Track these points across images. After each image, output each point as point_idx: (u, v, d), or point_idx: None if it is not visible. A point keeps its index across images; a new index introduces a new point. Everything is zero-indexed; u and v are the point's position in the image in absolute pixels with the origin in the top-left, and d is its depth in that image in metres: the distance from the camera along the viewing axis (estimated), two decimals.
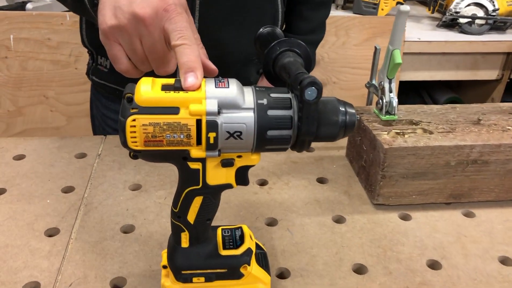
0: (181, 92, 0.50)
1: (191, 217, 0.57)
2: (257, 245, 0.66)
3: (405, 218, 0.83)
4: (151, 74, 0.62)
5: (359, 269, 0.72)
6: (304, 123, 0.51)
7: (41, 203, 0.82)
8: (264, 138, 0.52)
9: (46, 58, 1.63)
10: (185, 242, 0.59)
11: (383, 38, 1.83)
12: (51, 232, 0.76)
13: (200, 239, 0.59)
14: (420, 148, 0.80)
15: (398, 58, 0.85)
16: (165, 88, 0.51)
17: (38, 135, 1.36)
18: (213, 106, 0.49)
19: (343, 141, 1.00)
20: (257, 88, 0.53)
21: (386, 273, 0.71)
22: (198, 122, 0.50)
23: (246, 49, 1.01)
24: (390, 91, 0.88)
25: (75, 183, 0.87)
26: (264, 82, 1.10)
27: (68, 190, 0.86)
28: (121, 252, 0.72)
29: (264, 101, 0.51)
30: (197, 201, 0.56)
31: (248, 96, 0.51)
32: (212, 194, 0.57)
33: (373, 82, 0.94)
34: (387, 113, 0.88)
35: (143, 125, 0.49)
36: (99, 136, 1.03)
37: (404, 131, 0.85)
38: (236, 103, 0.50)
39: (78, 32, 1.04)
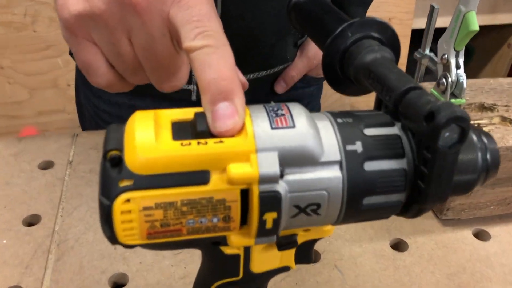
0: (209, 141, 0.27)
1: None
2: None
3: (482, 236, 0.64)
4: (149, 87, 0.39)
5: None
6: (433, 183, 0.29)
7: None
8: (358, 209, 0.30)
9: None
10: None
11: None
12: None
13: None
14: (509, 148, 0.59)
15: (474, 24, 0.62)
16: (179, 132, 0.28)
17: None
18: (271, 166, 0.27)
19: None
20: (338, 120, 0.30)
21: None
22: (244, 193, 0.28)
23: (278, 22, 0.73)
24: (458, 67, 0.65)
25: (41, 210, 0.64)
26: (303, 60, 0.81)
27: (32, 221, 0.63)
28: None
29: (358, 146, 0.29)
30: None
31: (327, 137, 0.29)
32: (259, 285, 0.35)
33: (426, 52, 0.71)
34: (453, 95, 0.66)
35: (145, 208, 0.27)
36: (68, 134, 0.78)
37: (477, 121, 0.64)
38: (311, 154, 0.28)
39: None
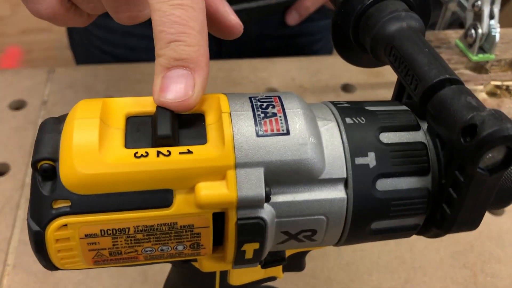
0: (173, 151, 0.20)
1: None
2: None
3: (497, 210, 0.58)
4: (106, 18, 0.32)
5: None
6: (462, 211, 0.22)
7: None
8: (363, 234, 0.23)
9: None
10: None
11: None
12: None
13: None
14: None
15: None
16: (134, 134, 0.21)
17: None
18: (254, 187, 0.20)
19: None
20: (347, 120, 0.23)
21: None
22: (218, 216, 0.21)
23: None
24: (491, 17, 0.56)
25: (10, 158, 0.58)
26: None
27: (1, 170, 0.58)
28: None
29: (370, 159, 0.22)
30: None
31: (331, 146, 0.22)
32: None
33: None
34: (481, 50, 0.58)
35: (88, 236, 0.20)
36: (43, 70, 0.70)
37: (507, 82, 0.56)
38: (309, 171, 0.21)
39: None
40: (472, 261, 0.52)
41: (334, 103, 0.24)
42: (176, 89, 0.21)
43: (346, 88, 0.70)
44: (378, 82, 0.72)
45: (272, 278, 0.29)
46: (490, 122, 0.20)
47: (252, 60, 0.74)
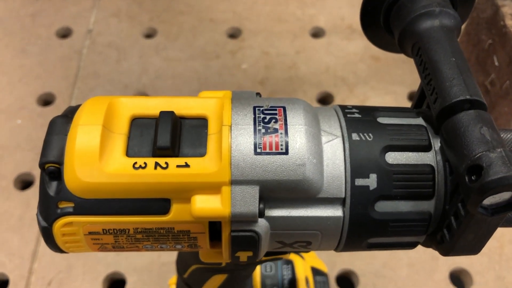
0: (171, 163, 0.21)
1: None
2: (315, 270, 0.43)
3: None
4: None
5: (459, 279, 0.50)
6: (460, 241, 0.22)
7: (7, 125, 0.57)
8: (360, 246, 0.24)
9: None
10: None
11: None
12: (25, 184, 0.54)
13: None
14: None
15: None
16: (136, 141, 0.21)
17: None
18: (247, 205, 0.21)
19: None
20: (354, 136, 0.22)
21: None
22: (214, 225, 0.22)
23: None
24: None
25: (56, 88, 0.61)
26: None
27: (46, 100, 0.60)
28: None
29: (371, 181, 0.21)
30: (217, 280, 0.32)
31: (332, 165, 0.21)
32: (246, 272, 0.31)
33: None
34: None
35: (91, 233, 0.22)
36: None
37: None
38: (305, 190, 0.21)
39: None
40: (501, 231, 0.51)
41: (345, 112, 0.23)
42: None
43: None
44: None
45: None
46: (497, 168, 0.18)
47: None
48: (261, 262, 0.30)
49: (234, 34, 0.67)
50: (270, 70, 0.63)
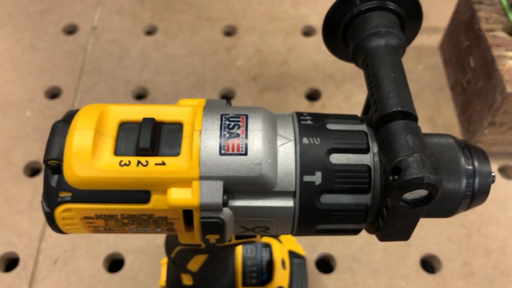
0: (150, 161, 0.25)
1: (193, 267, 0.38)
2: (293, 253, 0.47)
3: (507, 172, 0.60)
4: None
5: (430, 264, 0.54)
6: (391, 229, 0.26)
7: (17, 116, 0.62)
8: (311, 231, 0.28)
9: None
10: (187, 280, 0.41)
11: None
12: (33, 171, 0.59)
13: (209, 279, 0.41)
14: None
15: None
16: (123, 142, 0.26)
17: None
18: (213, 196, 0.25)
19: (440, 22, 0.69)
20: (304, 140, 0.26)
21: (467, 274, 0.52)
22: (188, 213, 0.27)
23: None
24: None
25: (62, 82, 0.66)
26: None
27: (53, 93, 0.65)
28: None
29: (317, 178, 0.26)
30: (199, 259, 0.36)
31: (285, 164, 0.26)
32: (225, 252, 0.36)
33: None
34: None
35: (86, 218, 0.27)
36: None
37: None
38: (261, 185, 0.26)
39: None
40: (471, 221, 0.56)
41: (300, 118, 0.27)
42: None
43: None
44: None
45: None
46: (412, 170, 0.23)
47: None
48: (234, 245, 0.35)
49: (230, 31, 0.71)
50: (262, 66, 0.67)
